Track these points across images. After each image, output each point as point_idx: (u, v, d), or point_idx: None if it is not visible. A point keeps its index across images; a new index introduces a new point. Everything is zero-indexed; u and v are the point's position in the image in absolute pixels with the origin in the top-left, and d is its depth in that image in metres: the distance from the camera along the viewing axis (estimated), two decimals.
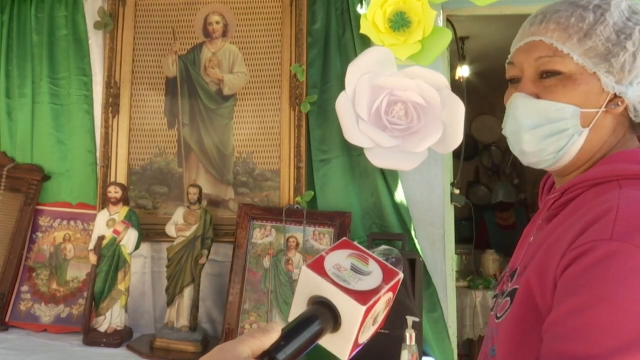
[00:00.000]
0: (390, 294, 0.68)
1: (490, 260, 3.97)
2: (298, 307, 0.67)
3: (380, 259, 0.69)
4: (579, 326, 0.68)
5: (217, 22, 2.36)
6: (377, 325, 0.68)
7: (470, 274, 3.85)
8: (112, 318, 2.12)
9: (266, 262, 2.12)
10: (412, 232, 2.15)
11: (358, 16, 2.18)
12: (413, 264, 2.01)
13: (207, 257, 2.14)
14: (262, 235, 2.15)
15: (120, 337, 2.11)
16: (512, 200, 4.91)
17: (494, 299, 0.93)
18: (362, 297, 0.63)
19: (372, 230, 2.19)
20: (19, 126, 2.43)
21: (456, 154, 2.29)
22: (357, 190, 2.22)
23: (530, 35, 0.86)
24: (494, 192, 5.02)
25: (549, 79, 0.83)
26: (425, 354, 2.05)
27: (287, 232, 2.14)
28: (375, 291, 0.64)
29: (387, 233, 2.16)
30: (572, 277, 0.71)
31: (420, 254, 2.12)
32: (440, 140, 1.98)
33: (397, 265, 0.71)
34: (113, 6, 2.39)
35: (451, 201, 2.26)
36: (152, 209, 2.33)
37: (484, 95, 4.85)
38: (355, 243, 0.71)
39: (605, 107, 0.82)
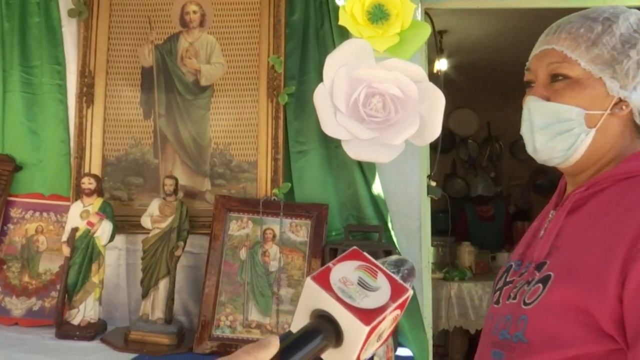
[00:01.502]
0: (397, 312, 0.65)
1: (466, 252, 4.01)
2: (300, 319, 0.64)
3: (390, 271, 0.66)
4: None
5: (195, 12, 2.33)
6: (381, 342, 0.66)
7: (446, 266, 3.89)
8: (85, 311, 2.09)
9: (243, 254, 2.12)
10: (389, 224, 2.16)
11: (337, 8, 2.17)
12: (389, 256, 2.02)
13: (183, 249, 2.12)
14: (239, 227, 2.14)
15: (94, 330, 2.08)
16: (491, 193, 4.97)
17: (510, 287, 0.94)
18: (367, 316, 0.60)
19: (349, 222, 2.20)
20: None
21: (433, 146, 2.30)
22: (334, 182, 2.22)
23: (545, 44, 0.94)
24: (473, 186, 5.08)
25: (558, 83, 0.91)
26: (401, 345, 2.07)
27: (264, 224, 2.13)
28: (381, 310, 0.61)
29: (364, 225, 2.17)
30: None
31: (397, 246, 2.14)
32: (417, 133, 1.98)
33: (409, 277, 0.68)
34: None
35: (427, 193, 2.28)
36: (127, 200, 2.30)
37: (462, 89, 4.89)
38: (366, 254, 0.67)
39: (611, 110, 0.89)
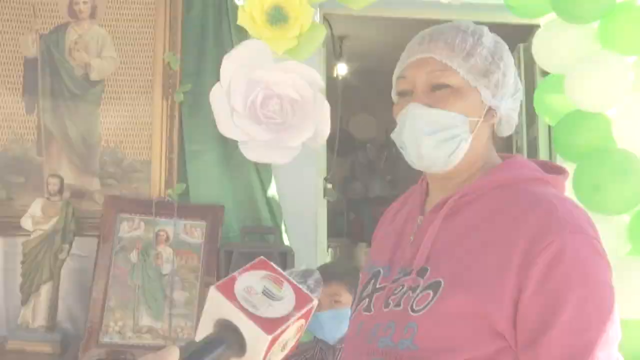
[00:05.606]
0: (302, 321, 0.65)
1: (363, 253, 4.12)
2: (204, 329, 0.63)
3: (296, 282, 0.66)
4: (595, 311, 0.80)
5: (85, 2, 2.22)
6: (286, 351, 0.66)
7: None
8: None
9: (134, 256, 2.05)
10: (285, 226, 2.17)
11: (235, 7, 2.15)
12: (285, 258, 2.03)
13: (69, 251, 2.02)
14: (130, 228, 2.07)
15: None
16: (388, 194, 5.12)
17: (382, 294, 0.94)
18: (270, 325, 0.60)
19: (245, 224, 2.19)
20: None
21: (330, 149, 2.35)
22: (230, 183, 2.20)
23: (421, 53, 0.94)
24: (371, 187, 5.21)
25: (440, 91, 0.92)
26: None
27: (157, 226, 2.07)
28: (284, 319, 0.62)
29: (260, 226, 2.17)
30: (561, 275, 0.80)
31: (292, 247, 2.15)
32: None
33: (316, 288, 0.68)
34: None
35: (324, 196, 2.32)
36: (6, 200, 2.16)
37: (362, 94, 5.00)
38: (272, 264, 0.67)
39: (484, 118, 0.94)
